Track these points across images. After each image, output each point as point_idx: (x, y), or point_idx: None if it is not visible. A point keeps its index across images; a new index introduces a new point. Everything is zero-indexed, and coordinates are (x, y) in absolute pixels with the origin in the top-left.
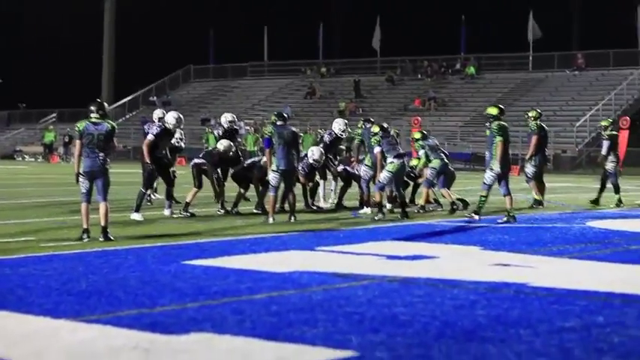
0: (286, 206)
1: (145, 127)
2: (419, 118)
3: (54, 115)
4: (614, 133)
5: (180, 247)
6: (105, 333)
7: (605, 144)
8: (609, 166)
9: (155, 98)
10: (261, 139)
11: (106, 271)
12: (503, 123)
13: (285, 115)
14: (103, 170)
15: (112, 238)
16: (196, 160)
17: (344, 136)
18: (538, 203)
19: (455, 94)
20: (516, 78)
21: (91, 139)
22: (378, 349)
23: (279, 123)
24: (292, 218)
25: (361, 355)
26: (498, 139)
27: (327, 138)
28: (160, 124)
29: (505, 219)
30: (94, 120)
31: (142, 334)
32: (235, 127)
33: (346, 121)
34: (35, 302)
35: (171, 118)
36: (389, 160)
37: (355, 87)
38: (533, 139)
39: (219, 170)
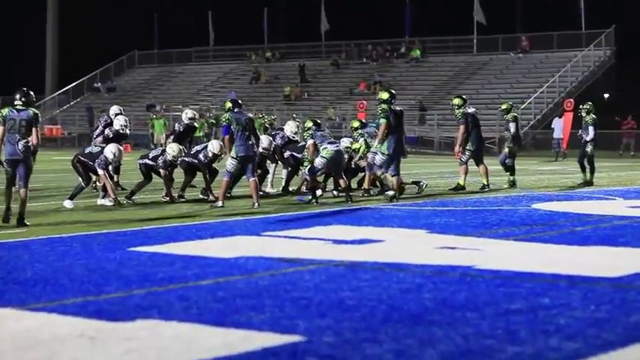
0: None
1: (102, 120)
2: (364, 102)
3: None
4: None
5: (126, 234)
6: (50, 321)
7: (592, 129)
8: (589, 148)
9: (100, 84)
10: (206, 125)
11: (51, 259)
12: (394, 107)
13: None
14: (24, 157)
15: (27, 224)
16: (147, 162)
17: (296, 138)
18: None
19: (400, 78)
20: (461, 61)
21: (12, 124)
22: (325, 334)
23: (236, 109)
24: (256, 204)
25: (308, 340)
26: (382, 121)
27: (279, 141)
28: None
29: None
30: (17, 107)
31: (88, 322)
32: (195, 124)
33: (298, 124)
34: None
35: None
36: (322, 146)
37: (300, 71)
38: (461, 127)
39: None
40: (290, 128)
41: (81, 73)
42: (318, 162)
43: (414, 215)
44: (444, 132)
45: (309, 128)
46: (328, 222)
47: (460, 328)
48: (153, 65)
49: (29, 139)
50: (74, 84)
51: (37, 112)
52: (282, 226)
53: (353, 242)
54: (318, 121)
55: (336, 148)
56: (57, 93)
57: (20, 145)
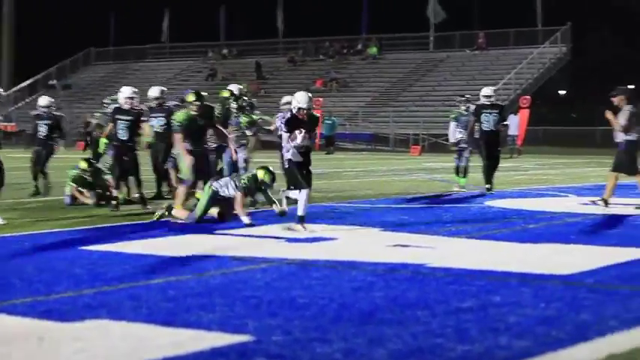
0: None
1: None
2: (320, 99)
3: None
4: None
5: (78, 232)
6: None
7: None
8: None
9: (55, 82)
10: None
11: (0, 259)
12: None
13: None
14: None
15: None
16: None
17: None
18: None
19: (356, 75)
20: (418, 58)
21: None
22: (275, 333)
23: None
24: None
25: (257, 340)
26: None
27: None
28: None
29: None
30: None
31: (37, 322)
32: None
33: None
34: None
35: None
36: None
37: (257, 68)
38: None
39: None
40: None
41: (37, 70)
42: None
43: (367, 213)
44: (400, 129)
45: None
46: (281, 220)
47: (410, 327)
48: (109, 62)
49: None
50: (30, 81)
51: None
52: (235, 224)
53: (306, 240)
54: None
55: None
56: (13, 90)
57: None
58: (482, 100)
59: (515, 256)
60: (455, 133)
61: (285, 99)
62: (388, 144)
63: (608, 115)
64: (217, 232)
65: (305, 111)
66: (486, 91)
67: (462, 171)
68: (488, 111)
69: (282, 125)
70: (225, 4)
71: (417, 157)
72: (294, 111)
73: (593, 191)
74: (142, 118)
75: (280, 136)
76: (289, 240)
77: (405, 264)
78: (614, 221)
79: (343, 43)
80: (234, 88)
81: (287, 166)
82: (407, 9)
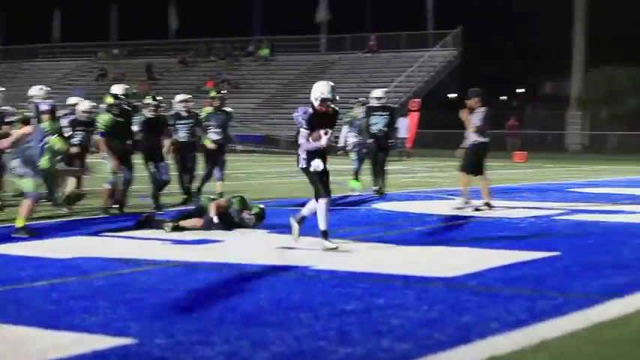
0: None
1: None
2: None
3: None
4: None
5: None
6: None
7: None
8: None
9: None
10: None
11: None
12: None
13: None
14: None
15: None
16: None
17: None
18: None
19: (248, 76)
20: (309, 60)
21: None
22: (158, 336)
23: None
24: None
25: (140, 342)
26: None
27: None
28: None
29: None
30: None
31: None
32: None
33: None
34: None
35: None
36: None
37: (147, 69)
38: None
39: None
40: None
41: None
42: None
43: None
44: (291, 131)
45: None
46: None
47: (293, 329)
48: None
49: None
50: None
51: None
52: (122, 225)
53: (192, 242)
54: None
55: None
56: None
57: None
58: (373, 102)
59: (401, 258)
60: (345, 138)
61: (179, 97)
62: (279, 146)
63: (463, 115)
64: (104, 234)
65: (330, 103)
66: (377, 92)
67: (358, 174)
68: (378, 113)
69: (303, 121)
70: (116, 4)
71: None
72: (316, 104)
73: (479, 194)
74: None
75: (298, 133)
76: (175, 242)
77: (290, 266)
78: (499, 224)
79: (235, 45)
80: (119, 89)
81: (304, 166)
82: (299, 11)
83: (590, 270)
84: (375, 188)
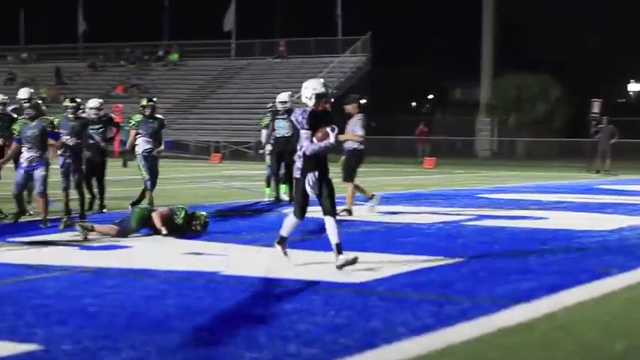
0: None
1: None
2: (119, 105)
3: None
4: None
5: None
6: None
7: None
8: None
9: None
10: None
11: None
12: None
13: None
14: None
15: None
16: None
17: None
18: None
19: (158, 81)
20: (219, 65)
21: None
22: (64, 342)
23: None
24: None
25: (46, 349)
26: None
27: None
28: None
29: None
30: None
31: None
32: None
33: None
34: None
35: None
36: None
37: (56, 73)
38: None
39: None
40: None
41: None
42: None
43: None
44: (200, 136)
45: None
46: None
47: (200, 335)
48: None
49: None
50: None
51: None
52: (29, 231)
53: (100, 248)
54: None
55: None
56: None
57: None
58: (278, 106)
59: (310, 264)
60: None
61: (91, 103)
62: (188, 151)
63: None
64: (10, 239)
65: (325, 99)
66: (281, 96)
67: (270, 181)
68: (282, 117)
69: (303, 121)
70: (24, 7)
71: (217, 165)
72: (311, 103)
73: (390, 200)
74: None
75: (293, 136)
76: (83, 247)
77: (199, 272)
78: (408, 230)
79: (145, 49)
80: (25, 93)
81: (297, 176)
82: (208, 16)
83: (496, 275)
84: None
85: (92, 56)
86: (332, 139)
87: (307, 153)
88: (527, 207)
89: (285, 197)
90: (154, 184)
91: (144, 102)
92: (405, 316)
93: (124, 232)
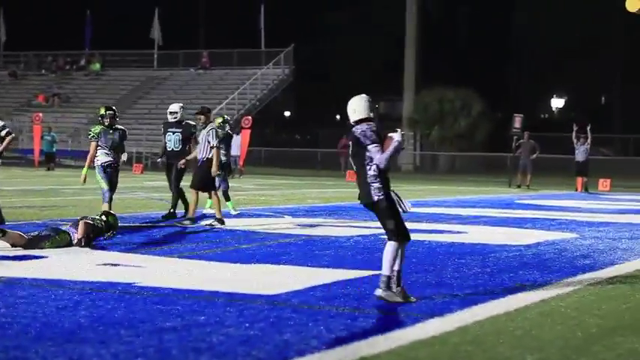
0: None
1: None
2: (40, 115)
3: None
4: None
5: None
6: None
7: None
8: None
9: None
10: None
11: None
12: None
13: None
14: None
15: None
16: None
17: None
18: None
19: (79, 91)
20: (141, 75)
21: None
22: None
23: None
24: None
25: None
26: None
27: None
28: None
29: None
30: None
31: None
32: None
33: None
34: None
35: None
36: None
37: None
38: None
39: None
40: None
41: None
42: None
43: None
44: (127, 147)
45: None
46: None
47: (112, 346)
48: None
49: None
50: None
51: None
52: None
53: (15, 258)
54: None
55: None
56: None
57: None
58: (168, 118)
59: (225, 276)
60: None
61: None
62: None
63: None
64: None
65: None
66: (172, 107)
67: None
68: (172, 129)
69: (373, 134)
70: None
71: (138, 176)
72: (370, 115)
73: (309, 212)
74: None
75: (354, 153)
76: None
77: (113, 283)
78: (326, 243)
79: (66, 58)
80: None
81: (379, 198)
82: (131, 26)
83: (412, 289)
84: (170, 210)
85: (13, 64)
86: (398, 136)
87: (382, 167)
88: (447, 221)
89: (233, 212)
90: (111, 197)
91: (102, 111)
92: (319, 329)
93: (35, 244)
